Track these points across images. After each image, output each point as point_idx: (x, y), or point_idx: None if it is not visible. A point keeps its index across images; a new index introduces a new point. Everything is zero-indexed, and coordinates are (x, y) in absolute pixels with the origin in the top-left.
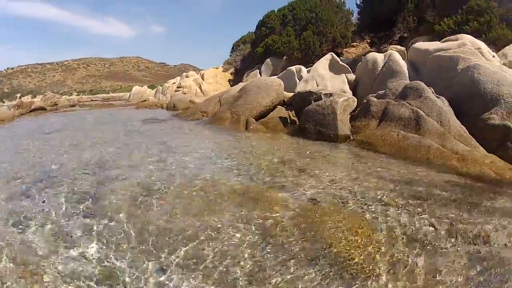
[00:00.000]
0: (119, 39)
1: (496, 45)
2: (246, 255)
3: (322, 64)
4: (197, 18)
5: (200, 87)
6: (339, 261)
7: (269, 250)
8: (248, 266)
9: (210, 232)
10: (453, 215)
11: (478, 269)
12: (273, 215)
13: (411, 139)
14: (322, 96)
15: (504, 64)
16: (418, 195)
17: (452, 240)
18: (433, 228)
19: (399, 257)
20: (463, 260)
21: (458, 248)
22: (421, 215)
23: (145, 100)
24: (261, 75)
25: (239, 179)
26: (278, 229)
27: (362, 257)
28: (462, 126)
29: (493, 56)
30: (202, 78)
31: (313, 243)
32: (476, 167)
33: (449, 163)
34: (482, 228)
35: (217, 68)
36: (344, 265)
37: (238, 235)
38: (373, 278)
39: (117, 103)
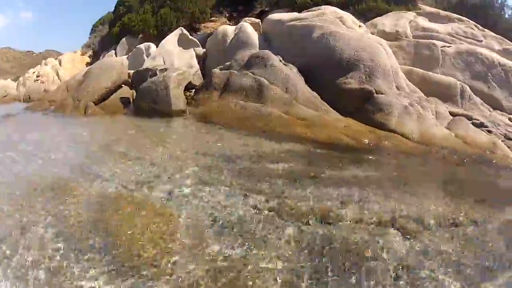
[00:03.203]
0: None
1: (366, 16)
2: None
3: (171, 40)
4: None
5: (57, 74)
6: (128, 256)
7: (59, 247)
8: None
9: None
10: (284, 192)
11: (314, 257)
12: (69, 208)
13: (250, 108)
14: (158, 72)
15: (372, 33)
16: (244, 171)
17: (281, 222)
18: (256, 210)
19: (204, 249)
20: (294, 247)
21: (287, 232)
22: (244, 195)
23: (7, 95)
24: (116, 56)
25: (49, 171)
26: (71, 223)
27: (157, 251)
28: (313, 92)
29: (360, 26)
30: (60, 64)
31: (105, 237)
32: (326, 132)
33: (293, 130)
34: (323, 204)
35: (75, 52)
36: (133, 262)
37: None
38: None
39: None
